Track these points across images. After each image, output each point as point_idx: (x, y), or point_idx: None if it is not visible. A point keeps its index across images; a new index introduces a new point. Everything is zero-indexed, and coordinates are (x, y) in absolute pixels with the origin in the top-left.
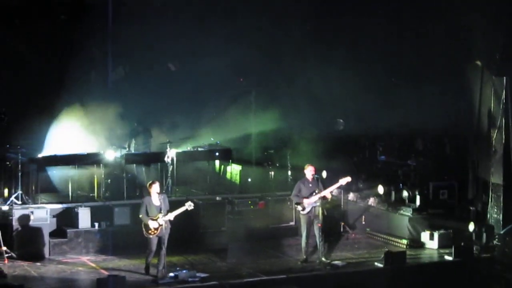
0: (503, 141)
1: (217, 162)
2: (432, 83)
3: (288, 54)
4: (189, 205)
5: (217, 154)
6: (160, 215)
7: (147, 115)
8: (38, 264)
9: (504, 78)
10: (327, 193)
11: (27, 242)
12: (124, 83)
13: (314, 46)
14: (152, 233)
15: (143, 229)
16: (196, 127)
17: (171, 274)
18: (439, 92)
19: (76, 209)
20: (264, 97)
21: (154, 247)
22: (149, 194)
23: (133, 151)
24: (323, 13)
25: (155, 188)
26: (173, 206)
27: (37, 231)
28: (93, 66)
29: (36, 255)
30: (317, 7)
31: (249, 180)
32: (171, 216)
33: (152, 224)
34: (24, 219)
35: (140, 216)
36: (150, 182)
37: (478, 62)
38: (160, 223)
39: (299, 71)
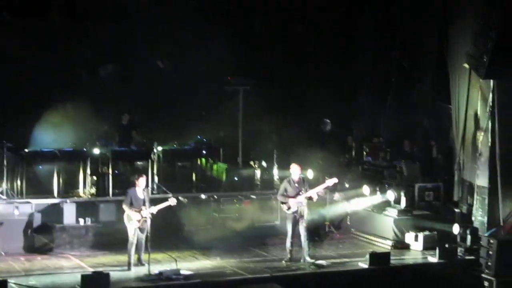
0: (489, 144)
1: (203, 160)
2: (420, 84)
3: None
4: (172, 201)
5: (204, 152)
6: (144, 208)
7: (135, 112)
8: (22, 259)
9: (492, 81)
10: (313, 193)
11: (11, 237)
12: (113, 81)
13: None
14: (135, 224)
15: (125, 219)
16: (184, 125)
17: (156, 271)
18: (427, 93)
19: (61, 205)
20: (252, 96)
21: (135, 238)
22: (134, 186)
23: (118, 148)
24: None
25: (142, 182)
26: (158, 202)
27: (22, 226)
28: (84, 65)
29: (21, 250)
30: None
31: (236, 178)
32: (154, 209)
33: (135, 216)
34: (9, 213)
35: (124, 206)
36: (138, 175)
37: (466, 65)
38: (143, 215)
39: (286, 71)
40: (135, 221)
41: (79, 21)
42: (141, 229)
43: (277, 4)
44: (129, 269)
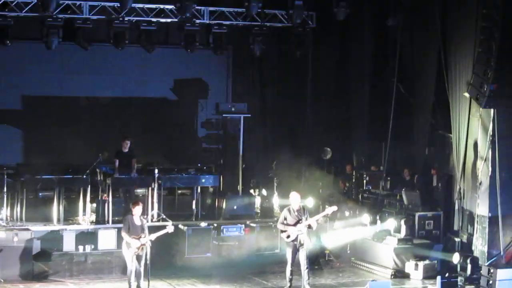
0: (489, 173)
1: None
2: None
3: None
4: (169, 228)
5: (203, 180)
6: (142, 235)
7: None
8: (21, 286)
9: (492, 110)
10: (313, 221)
11: (10, 263)
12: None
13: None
14: (133, 252)
15: (124, 246)
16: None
17: None
18: (427, 122)
19: (61, 232)
20: (253, 123)
21: (133, 266)
22: (131, 213)
23: (118, 175)
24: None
25: (138, 209)
26: (157, 230)
27: (21, 252)
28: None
29: (19, 277)
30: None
31: (235, 207)
32: (153, 237)
33: (134, 243)
34: (8, 240)
35: (123, 234)
36: (134, 202)
37: (467, 94)
38: (142, 242)
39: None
40: (134, 248)
41: (78, 44)
42: (139, 257)
43: (276, 29)
44: None
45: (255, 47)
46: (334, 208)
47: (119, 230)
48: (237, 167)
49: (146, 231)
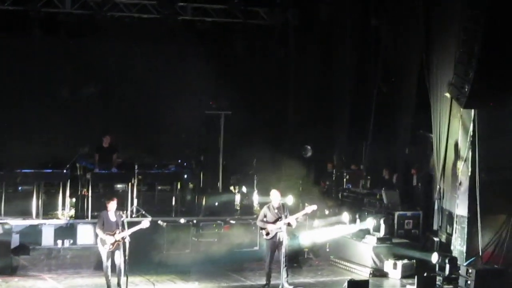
0: (469, 173)
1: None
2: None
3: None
4: (144, 223)
5: (185, 176)
6: (117, 231)
7: (115, 134)
8: (0, 280)
9: (472, 110)
10: (292, 219)
11: None
12: (94, 100)
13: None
14: (108, 248)
15: (99, 243)
16: (164, 148)
17: None
18: (408, 122)
19: (40, 226)
20: (234, 121)
21: (109, 262)
22: (106, 209)
23: (98, 170)
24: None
25: (113, 205)
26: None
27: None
28: (66, 83)
29: None
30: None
31: (216, 204)
32: (128, 233)
33: (109, 239)
34: None
35: (97, 230)
36: (109, 198)
37: (447, 94)
38: (117, 239)
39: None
40: (108, 245)
41: (60, 38)
42: (116, 253)
43: (258, 27)
44: None
45: (237, 44)
46: (314, 207)
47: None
48: (217, 164)
49: (124, 227)
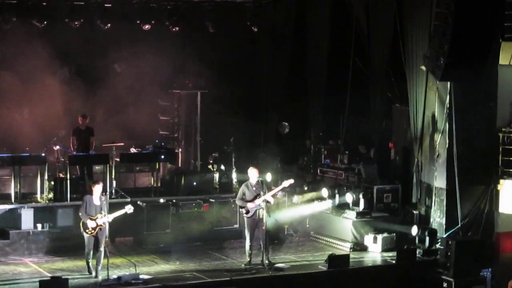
0: (447, 145)
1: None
2: (377, 86)
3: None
4: (128, 208)
5: (162, 157)
6: (100, 215)
7: (91, 116)
8: None
9: (448, 83)
10: (269, 196)
11: None
12: (69, 84)
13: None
14: (90, 232)
15: (81, 227)
16: (141, 129)
17: (114, 276)
18: (384, 95)
19: (19, 210)
20: (210, 99)
21: (91, 246)
22: (90, 193)
23: (76, 153)
24: None
25: (98, 189)
26: (116, 208)
27: None
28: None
29: None
30: None
31: (195, 183)
32: (110, 217)
33: (90, 224)
34: None
35: (80, 214)
36: (93, 182)
37: (423, 67)
38: (99, 223)
39: (242, 73)
40: (91, 229)
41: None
42: (98, 237)
43: (231, 4)
44: (89, 274)
45: (211, 22)
46: (291, 181)
47: (76, 207)
48: (195, 143)
49: (104, 211)
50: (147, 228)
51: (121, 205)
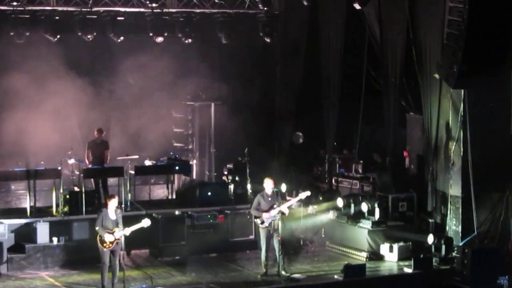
0: (461, 153)
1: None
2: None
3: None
4: (146, 223)
5: (177, 168)
6: (117, 229)
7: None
8: None
9: (462, 90)
10: (285, 207)
11: None
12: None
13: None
14: (107, 246)
15: (98, 241)
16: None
17: None
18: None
19: (34, 224)
20: (224, 110)
21: (107, 260)
22: (106, 207)
23: (91, 166)
24: None
25: (113, 203)
26: (131, 220)
27: None
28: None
29: None
30: None
31: (209, 194)
32: (128, 231)
33: (108, 238)
34: None
35: (97, 228)
36: (109, 196)
37: (436, 75)
38: (116, 237)
39: (257, 84)
40: (108, 243)
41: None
42: (114, 252)
43: (243, 15)
44: None
45: (223, 33)
46: (307, 193)
47: (92, 220)
48: (209, 154)
49: (120, 225)
50: (162, 240)
51: (136, 218)
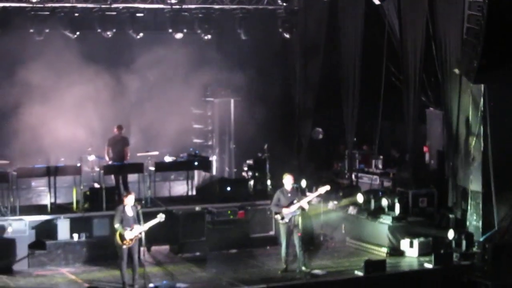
0: (482, 148)
1: (196, 172)
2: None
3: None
4: (160, 217)
5: (196, 164)
6: (135, 226)
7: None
8: (17, 276)
9: (482, 85)
10: (304, 203)
11: (5, 254)
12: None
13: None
14: (127, 243)
15: (117, 238)
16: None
17: (151, 285)
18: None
19: (55, 221)
20: (243, 106)
21: (125, 256)
22: (123, 203)
23: (111, 162)
24: None
25: (130, 200)
26: (152, 217)
27: (16, 243)
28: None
29: (15, 268)
30: None
31: (228, 189)
32: (146, 227)
33: (128, 235)
34: (2, 231)
35: (116, 226)
36: (126, 193)
37: (456, 70)
38: (135, 234)
39: (276, 80)
40: (128, 240)
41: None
42: (133, 248)
43: (262, 11)
44: (123, 285)
45: (242, 29)
46: (327, 187)
47: (112, 217)
48: (229, 150)
49: (139, 221)
50: (182, 237)
51: (156, 214)
